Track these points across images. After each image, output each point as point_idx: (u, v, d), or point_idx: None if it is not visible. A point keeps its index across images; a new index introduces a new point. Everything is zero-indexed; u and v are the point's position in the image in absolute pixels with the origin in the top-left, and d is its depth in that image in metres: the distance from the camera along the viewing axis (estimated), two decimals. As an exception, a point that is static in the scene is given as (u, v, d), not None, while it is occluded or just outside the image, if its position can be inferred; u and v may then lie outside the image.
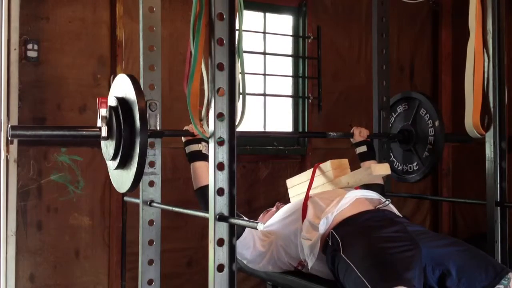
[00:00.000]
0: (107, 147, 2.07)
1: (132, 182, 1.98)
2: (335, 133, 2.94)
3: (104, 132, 2.02)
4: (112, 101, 2.04)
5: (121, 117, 1.97)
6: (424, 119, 2.93)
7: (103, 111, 2.02)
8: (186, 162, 3.60)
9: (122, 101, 2.01)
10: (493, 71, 2.49)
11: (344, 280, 2.07)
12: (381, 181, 2.75)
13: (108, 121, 2.02)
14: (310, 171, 2.70)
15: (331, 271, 2.20)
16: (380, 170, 2.53)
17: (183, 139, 2.43)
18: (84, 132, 2.13)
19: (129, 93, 1.98)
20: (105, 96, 3.32)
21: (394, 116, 3.11)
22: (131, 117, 1.95)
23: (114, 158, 2.03)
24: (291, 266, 2.44)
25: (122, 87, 2.05)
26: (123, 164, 2.01)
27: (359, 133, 2.89)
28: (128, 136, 1.95)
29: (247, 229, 2.37)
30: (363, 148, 2.87)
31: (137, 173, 1.94)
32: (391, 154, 3.10)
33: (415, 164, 2.98)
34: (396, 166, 3.09)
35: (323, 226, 2.26)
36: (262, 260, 2.44)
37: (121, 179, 2.08)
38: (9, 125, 1.94)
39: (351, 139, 2.93)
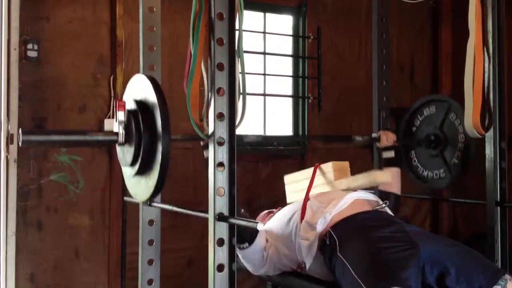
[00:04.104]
0: (124, 153, 1.96)
1: (153, 191, 1.87)
2: (361, 138, 2.85)
3: (121, 138, 1.91)
4: (130, 104, 1.93)
5: (140, 122, 1.85)
6: (454, 124, 2.80)
7: (121, 115, 1.90)
8: (186, 162, 3.64)
9: (141, 104, 1.89)
10: (493, 71, 2.49)
11: (341, 279, 2.08)
12: (398, 191, 2.67)
13: (126, 126, 1.90)
14: (309, 169, 2.69)
15: (329, 270, 2.21)
16: (381, 177, 2.53)
17: (202, 143, 2.33)
18: (100, 138, 2.05)
19: (149, 95, 1.86)
20: (105, 96, 3.36)
21: (420, 119, 2.99)
22: (152, 121, 1.83)
23: (132, 164, 1.92)
24: (290, 269, 2.43)
25: (140, 89, 1.94)
26: (142, 172, 1.90)
27: (386, 139, 2.80)
28: (148, 142, 1.83)
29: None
30: (390, 154, 2.77)
31: (159, 183, 1.83)
32: (415, 159, 3.01)
33: (442, 171, 2.87)
34: (421, 172, 2.98)
35: (320, 225, 2.27)
36: (265, 265, 2.43)
37: (140, 187, 1.97)
38: (20, 130, 1.81)
39: (377, 144, 2.84)
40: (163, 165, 1.80)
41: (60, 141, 2.01)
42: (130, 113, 1.90)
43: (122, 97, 2.08)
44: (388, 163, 2.79)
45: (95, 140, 2.08)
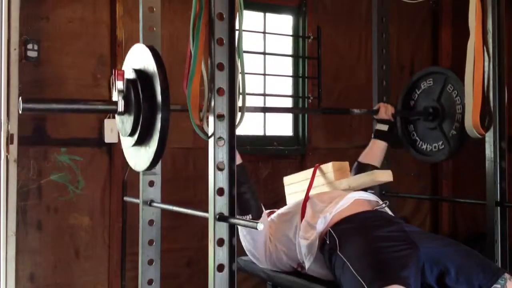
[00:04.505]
0: (124, 123, 1.96)
1: (152, 160, 1.87)
2: (359, 110, 2.87)
3: (120, 107, 1.91)
4: (129, 73, 1.92)
5: (140, 90, 1.86)
6: (452, 96, 2.79)
7: (120, 84, 1.89)
8: (186, 162, 3.64)
9: (141, 73, 1.89)
10: (493, 71, 2.49)
11: (341, 278, 2.08)
12: (378, 165, 2.74)
13: (125, 95, 1.91)
14: (308, 170, 2.70)
15: (329, 270, 2.21)
16: (382, 176, 2.54)
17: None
18: (99, 106, 2.05)
19: (149, 64, 1.86)
20: (105, 96, 3.36)
21: (418, 92, 2.99)
22: (152, 90, 1.83)
23: (131, 134, 1.92)
24: (290, 268, 2.44)
25: (140, 58, 1.94)
26: (142, 141, 1.90)
27: (385, 111, 2.83)
28: (147, 111, 1.83)
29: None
30: (383, 127, 2.81)
31: (158, 151, 1.83)
32: (413, 133, 3.02)
33: (440, 143, 2.86)
34: (419, 146, 2.98)
35: (321, 225, 2.27)
36: (267, 257, 2.44)
37: (139, 157, 1.97)
38: (20, 98, 1.81)
39: (375, 116, 2.87)
40: (163, 132, 1.80)
41: (60, 109, 2.01)
42: (129, 82, 1.90)
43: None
44: (379, 135, 2.81)
45: (95, 109, 2.09)
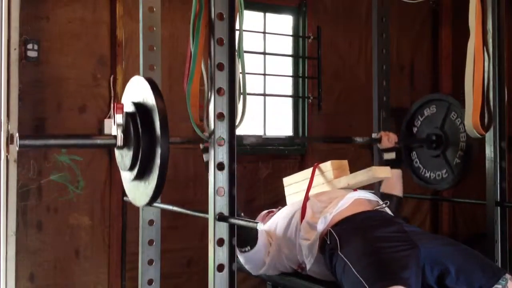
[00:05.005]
0: (123, 157, 1.94)
1: (152, 196, 1.84)
2: (361, 139, 2.82)
3: (119, 141, 1.89)
4: (128, 107, 1.90)
5: (139, 125, 1.83)
6: (455, 123, 2.79)
7: (119, 118, 1.86)
8: (186, 162, 3.64)
9: (140, 107, 1.86)
10: (493, 71, 2.49)
11: (342, 278, 2.08)
12: (400, 193, 2.65)
13: (124, 129, 1.88)
14: (308, 170, 2.69)
15: (329, 270, 2.21)
16: (381, 173, 2.52)
17: (201, 146, 2.23)
18: (98, 141, 2.01)
19: (148, 97, 1.83)
20: (105, 96, 3.36)
21: (421, 119, 2.98)
22: (151, 124, 1.80)
23: (131, 169, 1.89)
24: (291, 269, 2.43)
25: (139, 91, 1.91)
26: (141, 176, 1.87)
27: (388, 140, 2.77)
28: (147, 145, 1.80)
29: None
30: (391, 155, 2.74)
31: (158, 186, 1.80)
32: (416, 160, 3.00)
33: (444, 171, 2.84)
34: (423, 173, 2.96)
35: (321, 225, 2.27)
36: (265, 264, 2.43)
37: (138, 192, 1.95)
38: (17, 135, 1.78)
39: (378, 145, 2.82)
40: (162, 169, 1.77)
41: (58, 145, 1.98)
42: (128, 116, 1.88)
43: (121, 97, 2.08)
44: (389, 164, 2.77)
45: (94, 144, 2.05)
